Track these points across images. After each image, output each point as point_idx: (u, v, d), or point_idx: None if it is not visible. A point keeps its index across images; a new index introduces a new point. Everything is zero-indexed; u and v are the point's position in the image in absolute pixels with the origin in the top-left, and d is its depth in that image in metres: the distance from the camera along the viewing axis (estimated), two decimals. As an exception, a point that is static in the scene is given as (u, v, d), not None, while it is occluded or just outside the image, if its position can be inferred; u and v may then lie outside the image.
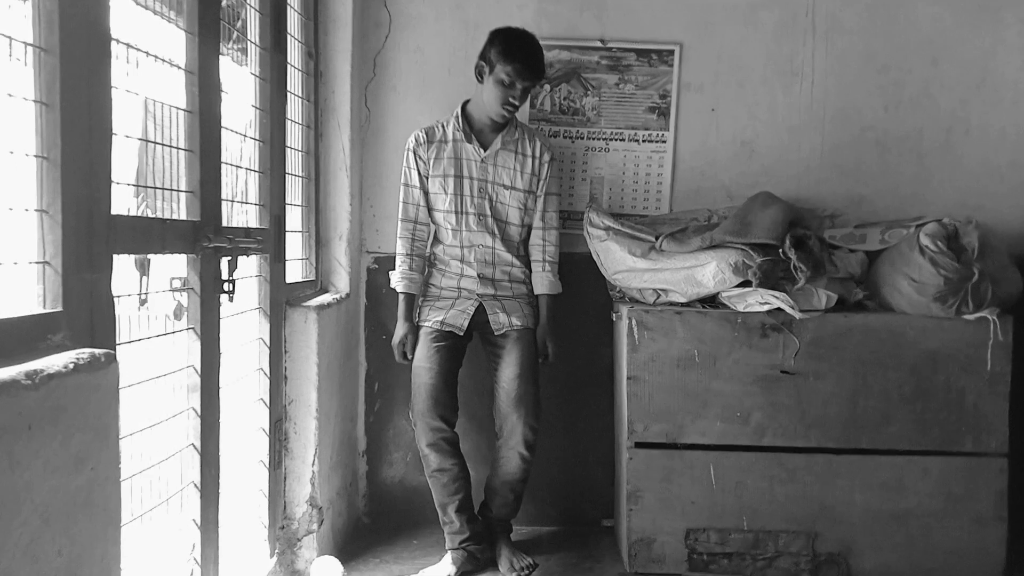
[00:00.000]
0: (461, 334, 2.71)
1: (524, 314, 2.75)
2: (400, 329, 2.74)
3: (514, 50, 2.58)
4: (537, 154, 2.76)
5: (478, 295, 2.73)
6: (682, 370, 2.63)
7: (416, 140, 2.75)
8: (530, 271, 2.82)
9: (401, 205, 2.77)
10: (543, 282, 2.79)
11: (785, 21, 3.07)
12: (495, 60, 2.59)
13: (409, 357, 2.73)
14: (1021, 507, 2.74)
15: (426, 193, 2.75)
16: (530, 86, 2.64)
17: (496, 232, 2.74)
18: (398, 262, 2.77)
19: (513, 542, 2.80)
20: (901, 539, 2.62)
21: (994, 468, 2.60)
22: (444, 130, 2.75)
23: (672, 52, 3.07)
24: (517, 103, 2.64)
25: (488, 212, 2.73)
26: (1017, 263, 2.69)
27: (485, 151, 2.72)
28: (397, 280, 2.76)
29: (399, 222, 2.77)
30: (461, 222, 2.73)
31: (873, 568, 2.62)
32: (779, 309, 2.59)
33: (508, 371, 2.66)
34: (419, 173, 2.74)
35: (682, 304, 2.72)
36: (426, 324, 2.72)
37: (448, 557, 2.67)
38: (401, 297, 2.76)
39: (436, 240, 2.79)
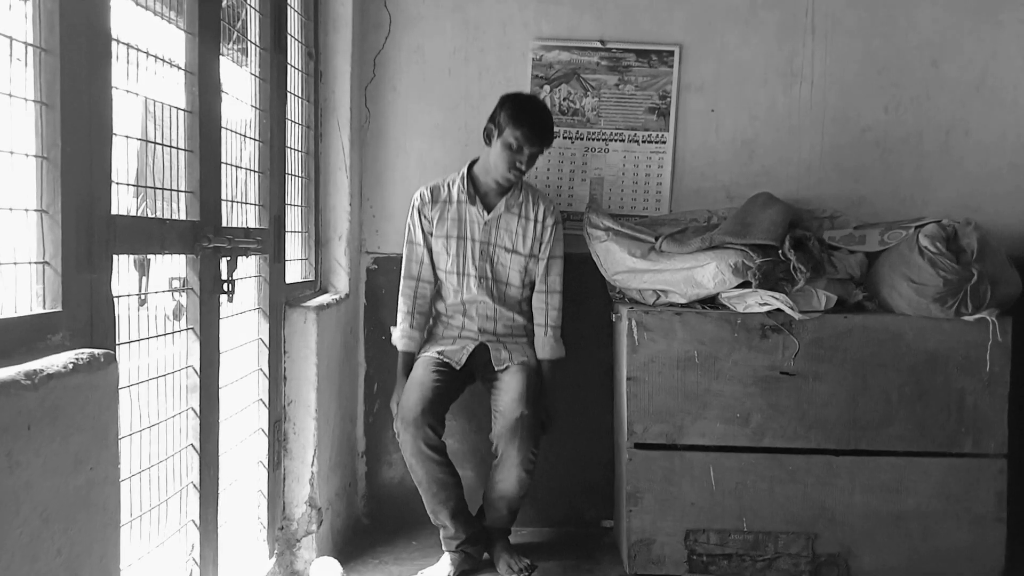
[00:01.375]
0: (458, 367, 2.71)
1: (527, 353, 2.75)
2: (399, 387, 2.75)
3: (523, 115, 2.60)
4: (540, 218, 2.77)
5: (480, 339, 2.76)
6: (682, 371, 2.63)
7: (421, 199, 2.78)
8: (533, 326, 2.82)
9: (404, 262, 2.80)
10: (545, 347, 2.78)
11: (785, 22, 3.07)
12: (504, 124, 2.61)
13: None
14: (1020, 508, 2.74)
15: (430, 251, 2.78)
16: (537, 152, 2.66)
17: (496, 293, 2.77)
18: (399, 319, 2.79)
19: (512, 544, 2.80)
20: (901, 540, 2.62)
21: (993, 469, 2.60)
22: (449, 190, 2.77)
23: (672, 53, 3.07)
24: (524, 168, 2.66)
25: (489, 274, 2.76)
26: (1016, 264, 2.69)
27: (489, 214, 2.75)
28: (398, 338, 2.79)
29: (402, 278, 2.81)
30: (462, 283, 2.76)
31: (873, 569, 2.62)
32: (779, 310, 2.59)
33: (508, 395, 2.62)
34: (423, 231, 2.77)
35: (682, 305, 2.72)
36: (425, 354, 2.74)
37: (445, 558, 2.67)
38: (401, 355, 2.79)
39: (439, 295, 2.82)
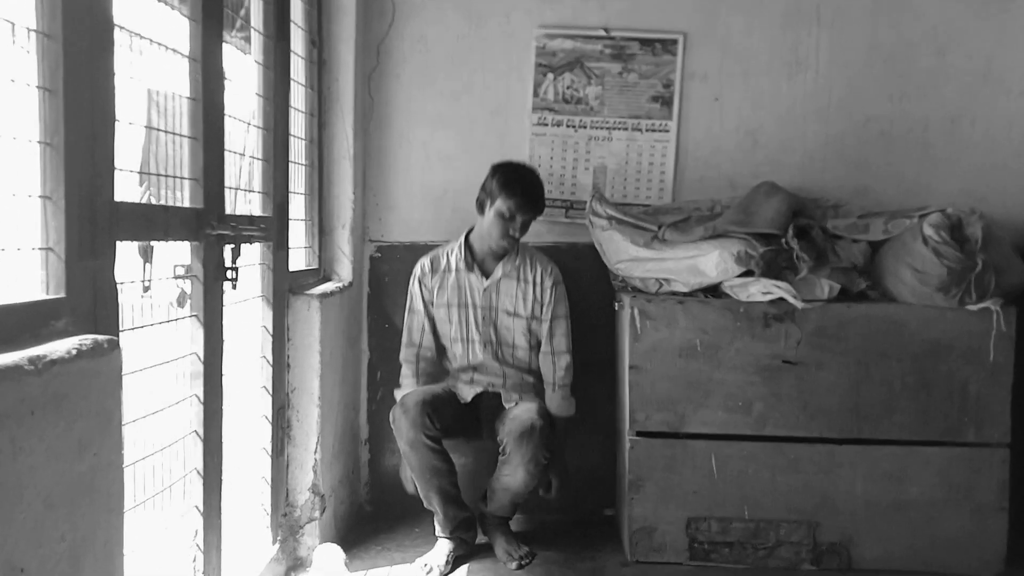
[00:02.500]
0: (464, 401, 2.75)
1: (539, 401, 2.77)
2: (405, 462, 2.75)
3: (514, 184, 2.65)
4: (539, 280, 2.80)
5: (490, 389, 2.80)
6: (684, 359, 2.63)
7: (422, 270, 2.83)
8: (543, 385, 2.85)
9: (406, 330, 2.84)
10: (553, 402, 2.78)
11: (790, 10, 3.05)
12: (496, 193, 2.65)
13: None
14: (1023, 497, 2.74)
15: (431, 320, 2.82)
16: (530, 219, 2.70)
17: (502, 356, 2.80)
18: (405, 383, 2.82)
19: (512, 531, 2.80)
20: (902, 529, 2.62)
21: (996, 459, 2.60)
22: (448, 259, 2.82)
23: (676, 41, 3.06)
24: (517, 235, 2.70)
25: (493, 338, 2.80)
26: (1020, 254, 2.68)
27: (487, 279, 2.78)
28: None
29: (403, 346, 2.84)
30: (467, 349, 2.80)
31: (874, 558, 2.63)
32: (781, 299, 2.58)
33: (520, 409, 2.65)
34: (424, 301, 2.81)
35: (684, 294, 2.72)
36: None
37: (440, 544, 2.68)
38: None
39: (447, 358, 2.85)
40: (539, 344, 2.83)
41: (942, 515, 2.61)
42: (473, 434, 2.80)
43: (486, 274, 2.79)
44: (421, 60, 3.09)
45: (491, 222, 2.69)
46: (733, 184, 3.06)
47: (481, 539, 2.79)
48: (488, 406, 2.77)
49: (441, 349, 2.85)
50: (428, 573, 2.57)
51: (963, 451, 2.61)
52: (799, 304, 2.56)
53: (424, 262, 2.84)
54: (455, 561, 2.66)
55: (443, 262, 2.83)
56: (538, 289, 2.79)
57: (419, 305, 2.82)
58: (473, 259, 2.80)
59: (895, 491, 2.62)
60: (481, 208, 2.72)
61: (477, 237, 2.79)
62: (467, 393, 2.77)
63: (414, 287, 2.84)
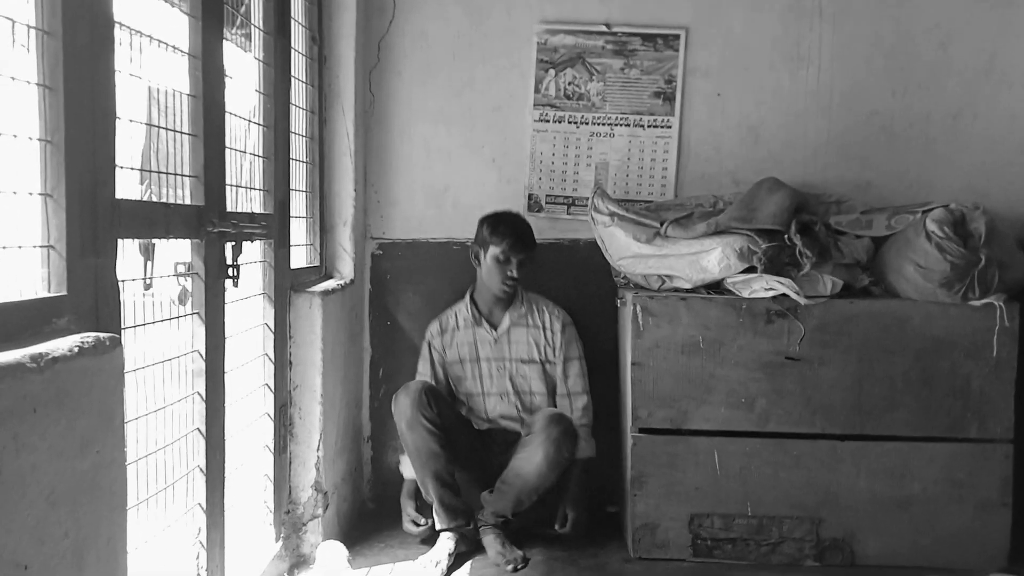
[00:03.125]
0: (478, 428, 2.81)
1: None
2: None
3: (501, 228, 2.76)
4: (548, 324, 2.87)
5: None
6: (686, 356, 2.62)
7: (431, 333, 2.92)
8: None
9: (419, 376, 2.89)
10: None
11: (792, 5, 3.04)
12: (487, 241, 2.77)
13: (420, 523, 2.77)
14: (1026, 493, 2.73)
15: (446, 376, 2.88)
16: (524, 259, 2.78)
17: (522, 405, 2.84)
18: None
19: (507, 533, 2.71)
20: (905, 525, 2.62)
21: (999, 454, 2.59)
22: (456, 318, 2.89)
23: (678, 36, 3.05)
24: (515, 275, 2.77)
25: (510, 389, 2.85)
26: (1024, 249, 2.67)
27: (496, 330, 2.85)
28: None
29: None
30: (484, 401, 2.86)
31: (877, 554, 2.62)
32: (784, 295, 2.58)
33: (540, 423, 2.68)
34: (434, 361, 2.91)
35: (687, 290, 2.71)
36: None
37: (441, 541, 2.66)
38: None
39: (468, 407, 2.89)
40: (551, 392, 2.88)
41: (945, 511, 2.61)
42: (479, 458, 2.80)
43: (494, 326, 2.87)
44: (422, 56, 3.09)
45: (489, 269, 2.78)
46: (735, 180, 3.06)
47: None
48: (501, 440, 2.80)
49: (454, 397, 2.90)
50: (434, 568, 2.56)
51: (966, 447, 2.60)
52: (802, 300, 2.56)
53: (433, 325, 2.92)
54: (457, 558, 2.66)
55: (451, 322, 2.90)
56: (548, 333, 2.86)
57: (429, 365, 2.90)
58: (480, 313, 2.88)
59: (898, 487, 2.61)
60: (477, 260, 2.83)
61: (480, 291, 2.87)
62: (481, 423, 2.84)
63: (424, 350, 2.92)
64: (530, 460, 2.62)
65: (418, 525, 2.76)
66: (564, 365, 2.86)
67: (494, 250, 2.76)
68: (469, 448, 2.77)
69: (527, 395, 2.85)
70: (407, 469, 2.85)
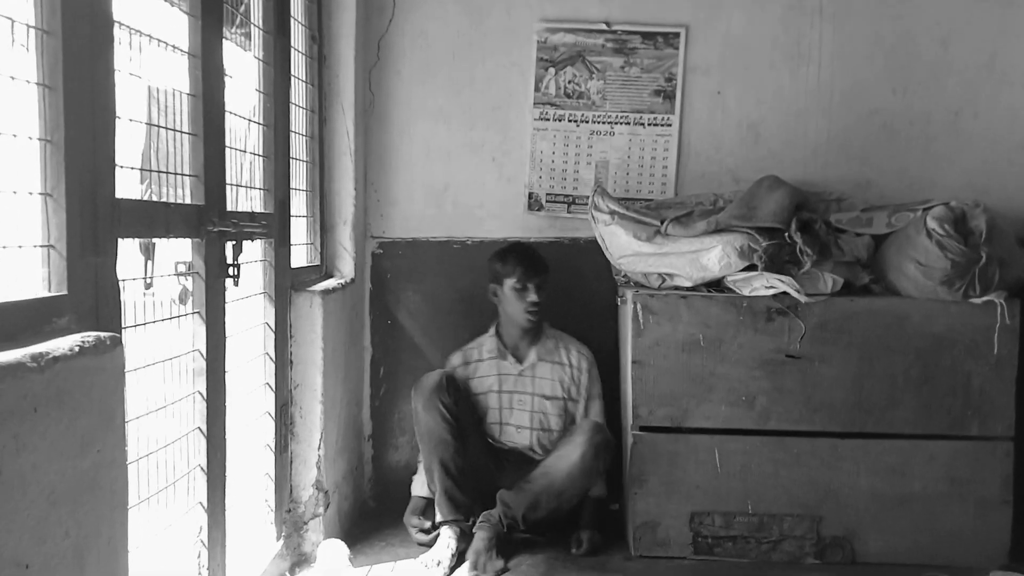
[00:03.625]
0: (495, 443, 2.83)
1: None
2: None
3: (511, 258, 2.80)
4: (574, 363, 2.88)
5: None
6: (687, 354, 2.62)
7: (452, 364, 2.90)
8: None
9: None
10: None
11: (792, 3, 3.04)
12: (501, 274, 2.81)
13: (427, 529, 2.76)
14: (1027, 491, 2.73)
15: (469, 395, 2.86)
16: (541, 282, 2.81)
17: (536, 441, 2.84)
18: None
19: (498, 542, 2.61)
20: (906, 523, 2.62)
21: (1000, 452, 2.59)
22: (480, 350, 2.91)
23: (678, 35, 3.05)
24: (536, 299, 2.79)
25: (528, 423, 2.84)
26: (1025, 246, 2.67)
27: (522, 364, 2.87)
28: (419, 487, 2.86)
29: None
30: (501, 432, 2.86)
31: (877, 551, 2.63)
32: (785, 293, 2.58)
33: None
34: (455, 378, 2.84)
35: (687, 288, 2.71)
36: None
37: (443, 537, 2.62)
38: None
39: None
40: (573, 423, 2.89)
41: (946, 509, 2.61)
42: (485, 463, 2.79)
43: (519, 359, 2.87)
44: (422, 55, 3.08)
45: (509, 301, 2.81)
46: (736, 178, 3.06)
47: None
48: (514, 459, 2.81)
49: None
50: (436, 567, 2.55)
51: (967, 445, 2.60)
52: (802, 298, 2.56)
53: (456, 357, 2.92)
54: (460, 556, 2.65)
55: (474, 354, 2.91)
56: (573, 371, 2.88)
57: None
58: (505, 346, 2.89)
59: (898, 485, 2.61)
60: (496, 296, 2.85)
61: (505, 325, 2.89)
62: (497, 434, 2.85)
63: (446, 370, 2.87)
64: (566, 458, 2.63)
65: (426, 532, 2.75)
66: (587, 403, 2.88)
67: (509, 281, 2.78)
68: (478, 451, 2.76)
69: (544, 432, 2.85)
70: (418, 487, 2.86)
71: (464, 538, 2.66)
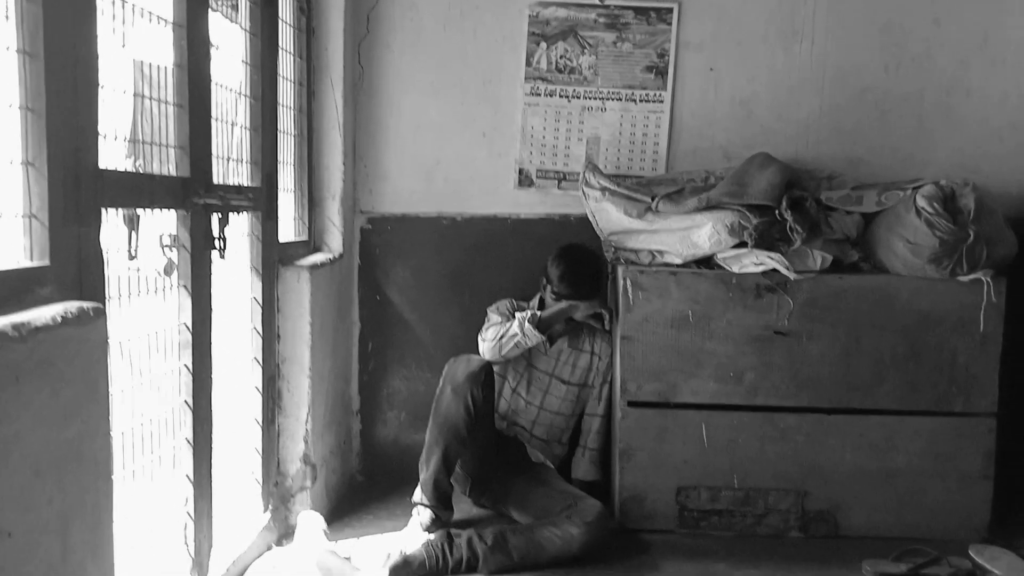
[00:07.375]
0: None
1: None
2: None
3: (567, 275, 2.73)
4: (597, 350, 2.87)
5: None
6: (676, 330, 2.63)
7: (505, 304, 2.85)
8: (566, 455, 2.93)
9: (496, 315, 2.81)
10: (579, 466, 2.88)
11: (786, -22, 3.01)
12: (553, 279, 2.75)
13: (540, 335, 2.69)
14: (1007, 467, 2.76)
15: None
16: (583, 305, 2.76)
17: (538, 419, 2.85)
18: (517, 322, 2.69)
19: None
20: (889, 497, 2.65)
21: (983, 428, 2.62)
22: (524, 313, 2.81)
23: (671, 10, 3.02)
24: (575, 318, 2.78)
25: (537, 402, 2.85)
26: (1012, 225, 2.68)
27: (551, 346, 2.84)
28: (525, 331, 2.68)
29: (491, 326, 2.75)
30: (514, 401, 2.86)
31: (861, 525, 2.66)
32: (774, 270, 2.58)
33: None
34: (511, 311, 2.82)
35: (677, 265, 2.72)
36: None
37: (414, 521, 2.56)
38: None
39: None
40: (579, 414, 2.90)
41: (929, 483, 2.64)
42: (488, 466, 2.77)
43: (551, 340, 2.83)
44: (412, 28, 3.05)
45: (548, 301, 2.79)
46: (727, 155, 3.05)
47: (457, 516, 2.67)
48: (515, 451, 2.81)
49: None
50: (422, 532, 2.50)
51: (951, 421, 2.63)
52: (791, 275, 2.56)
53: (506, 302, 2.86)
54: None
55: (521, 305, 2.87)
56: (594, 357, 2.87)
57: (505, 315, 2.80)
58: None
59: (883, 460, 2.64)
60: (543, 288, 2.82)
61: (547, 305, 2.82)
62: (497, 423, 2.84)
63: (496, 313, 2.81)
64: (564, 541, 2.42)
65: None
66: (601, 388, 2.87)
67: (552, 287, 2.76)
68: (482, 437, 2.70)
69: (551, 414, 2.85)
70: (419, 494, 2.69)
71: (436, 524, 2.56)
